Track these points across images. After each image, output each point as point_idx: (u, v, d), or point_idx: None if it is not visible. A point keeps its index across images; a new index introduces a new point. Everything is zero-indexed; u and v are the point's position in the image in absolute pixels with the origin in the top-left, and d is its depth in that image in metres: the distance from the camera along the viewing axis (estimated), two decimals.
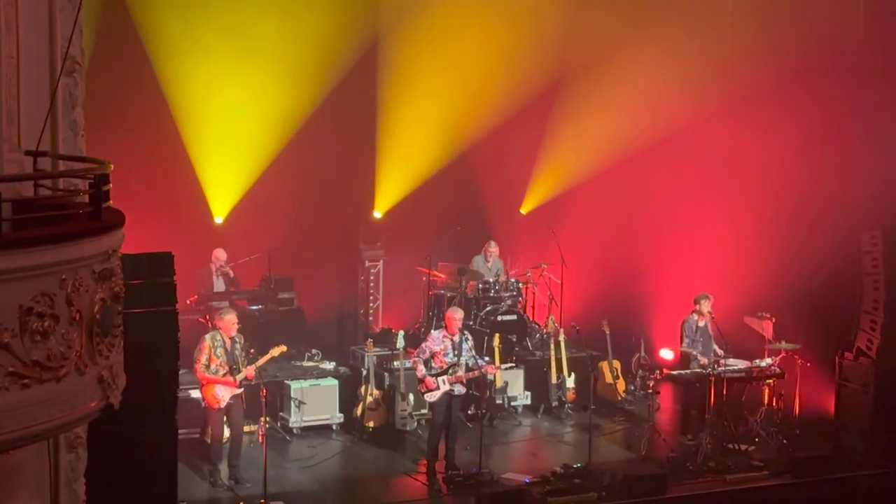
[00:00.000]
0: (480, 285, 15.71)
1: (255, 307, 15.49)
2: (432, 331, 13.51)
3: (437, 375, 12.54)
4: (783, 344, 14.00)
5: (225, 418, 12.23)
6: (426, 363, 12.62)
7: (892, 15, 14.98)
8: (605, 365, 15.38)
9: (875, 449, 13.37)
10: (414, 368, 12.76)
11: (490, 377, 13.76)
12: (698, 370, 13.56)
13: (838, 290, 14.21)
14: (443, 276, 16.56)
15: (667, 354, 16.32)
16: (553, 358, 14.98)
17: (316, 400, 13.94)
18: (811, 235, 14.65)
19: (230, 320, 12.10)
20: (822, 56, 15.16)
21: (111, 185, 6.45)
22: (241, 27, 15.36)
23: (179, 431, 9.87)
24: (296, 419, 13.84)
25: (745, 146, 16.08)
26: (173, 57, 15.25)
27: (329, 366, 14.81)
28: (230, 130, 15.61)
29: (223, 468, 12.31)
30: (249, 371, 12.08)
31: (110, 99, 13.77)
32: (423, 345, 12.84)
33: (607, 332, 15.31)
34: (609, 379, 15.33)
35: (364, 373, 14.17)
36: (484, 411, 13.75)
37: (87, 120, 7.56)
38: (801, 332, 14.35)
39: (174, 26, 15.14)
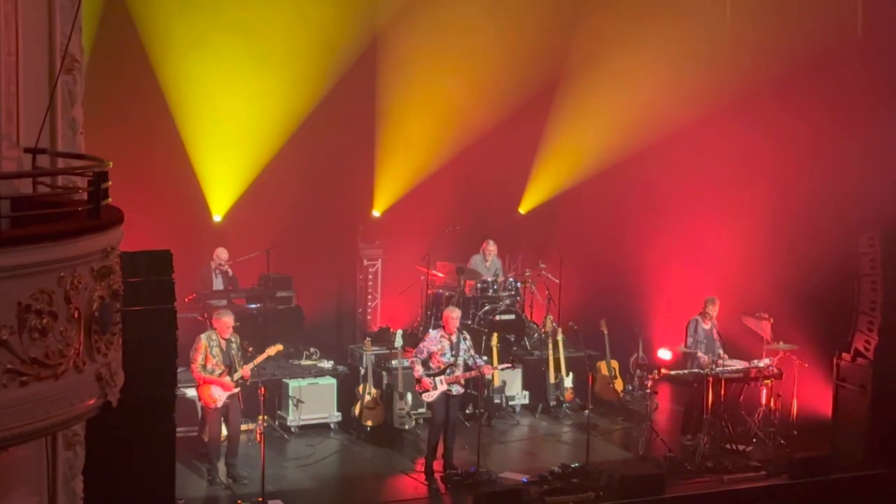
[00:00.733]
0: (479, 285, 15.72)
1: (253, 305, 15.49)
2: (430, 330, 13.51)
3: (434, 375, 12.54)
4: (781, 344, 14.01)
5: (222, 417, 12.22)
6: (424, 363, 12.63)
7: (891, 16, 14.98)
8: (603, 365, 15.39)
9: (872, 450, 13.38)
10: (412, 368, 12.77)
11: (488, 377, 13.77)
12: (696, 370, 13.57)
13: (836, 291, 14.21)
14: (441, 275, 16.57)
15: (665, 354, 16.32)
16: (551, 357, 14.99)
17: (314, 398, 13.94)
18: (809, 236, 14.66)
19: (225, 322, 12.06)
20: (820, 58, 15.16)
21: (110, 182, 6.45)
22: (241, 25, 15.36)
23: (177, 429, 9.87)
24: (294, 418, 13.84)
25: (743, 147, 16.10)
26: (172, 55, 15.25)
27: (327, 364, 14.81)
28: (229, 129, 15.61)
29: (221, 466, 12.30)
30: (245, 371, 12.07)
31: (109, 97, 13.78)
32: (421, 345, 12.84)
33: (605, 332, 15.33)
34: (607, 379, 15.34)
35: (362, 371, 14.18)
36: (482, 411, 13.75)
37: (86, 117, 7.56)
38: (799, 332, 14.37)
39: (174, 24, 15.14)
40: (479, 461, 12.51)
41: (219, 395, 12.01)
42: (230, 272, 15.37)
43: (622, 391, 15.50)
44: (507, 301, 15.69)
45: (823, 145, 15.01)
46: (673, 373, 13.90)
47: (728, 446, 13.36)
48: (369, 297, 17.27)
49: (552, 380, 14.99)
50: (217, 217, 16.12)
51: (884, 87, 14.66)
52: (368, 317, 17.21)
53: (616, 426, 14.66)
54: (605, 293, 16.40)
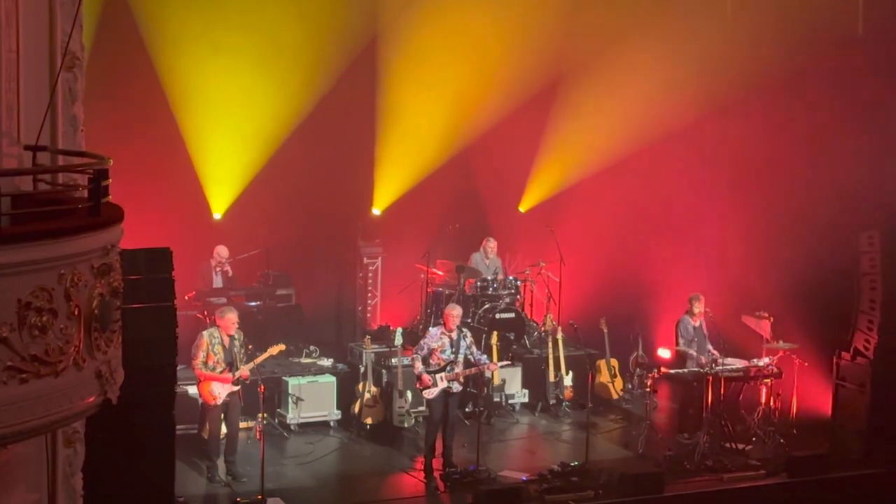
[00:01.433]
0: (479, 283, 15.72)
1: (253, 303, 15.49)
2: (430, 328, 13.52)
3: (434, 373, 12.55)
4: (781, 343, 14.01)
5: (222, 415, 12.23)
6: (424, 360, 12.64)
7: (891, 13, 14.98)
8: (602, 363, 15.40)
9: (872, 449, 13.40)
10: (412, 365, 12.77)
11: (488, 375, 13.78)
12: (696, 369, 13.57)
13: (836, 290, 14.22)
14: (441, 273, 16.57)
15: (665, 353, 16.31)
16: (551, 356, 14.99)
17: (313, 396, 13.94)
18: (809, 235, 14.67)
19: (231, 319, 12.07)
20: (819, 56, 15.16)
21: (110, 180, 6.45)
22: (241, 22, 15.35)
23: (177, 427, 9.88)
24: (293, 416, 13.84)
25: (743, 146, 16.10)
26: (173, 53, 15.24)
27: (327, 362, 14.81)
28: (229, 126, 15.60)
29: (220, 464, 12.30)
30: (244, 371, 12.07)
31: (110, 94, 13.78)
32: (422, 342, 12.84)
33: (605, 331, 15.34)
34: (607, 377, 15.35)
35: (362, 370, 14.18)
36: (481, 409, 13.76)
37: (86, 115, 7.56)
38: (798, 331, 14.37)
39: (174, 22, 15.13)
40: (479, 459, 12.51)
41: (219, 393, 12.02)
42: (230, 273, 15.37)
43: (622, 390, 15.50)
44: (507, 299, 15.69)
45: (823, 143, 15.02)
46: (672, 371, 13.89)
47: (727, 445, 13.36)
48: (369, 295, 17.27)
49: (552, 378, 14.99)
50: (217, 215, 16.11)
51: (884, 84, 14.65)
52: (368, 315, 17.21)
53: (615, 425, 14.66)
54: (605, 292, 16.39)
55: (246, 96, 15.55)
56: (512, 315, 15.51)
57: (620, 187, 16.98)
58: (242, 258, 15.67)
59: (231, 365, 12.02)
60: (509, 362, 14.31)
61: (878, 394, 13.46)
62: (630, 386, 15.77)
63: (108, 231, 6.20)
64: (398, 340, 14.04)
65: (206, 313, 14.27)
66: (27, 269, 5.58)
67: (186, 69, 15.28)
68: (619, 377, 15.51)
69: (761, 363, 13.67)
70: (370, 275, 17.26)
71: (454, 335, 12.69)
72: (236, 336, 12.15)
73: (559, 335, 15.16)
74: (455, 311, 12.80)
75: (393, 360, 14.05)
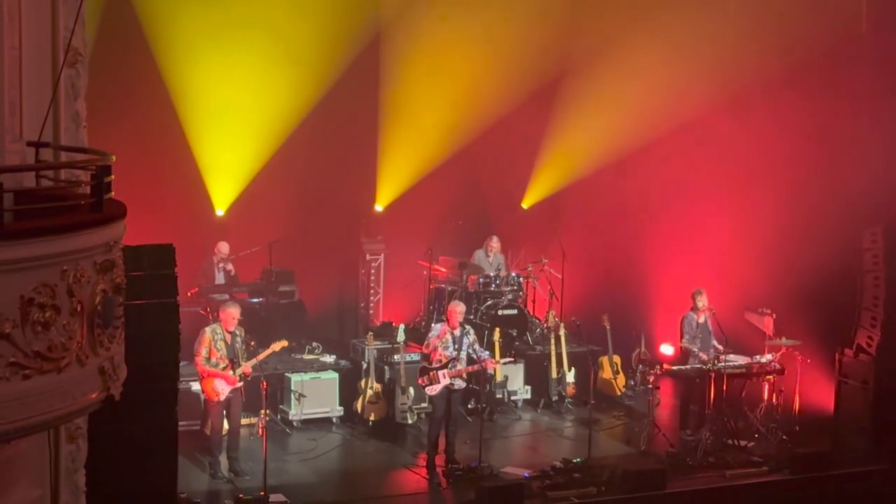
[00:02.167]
0: (481, 279, 15.72)
1: (255, 300, 15.50)
2: (433, 324, 13.52)
3: (437, 369, 12.55)
4: (783, 340, 14.00)
5: (224, 411, 12.23)
6: (426, 357, 12.64)
7: (895, 11, 14.97)
8: (605, 360, 15.39)
9: (874, 445, 13.40)
10: (429, 355, 12.70)
11: (490, 371, 13.78)
12: (698, 366, 13.57)
13: (839, 287, 14.22)
14: (444, 269, 16.58)
15: (667, 350, 16.32)
16: (553, 352, 14.99)
17: (316, 393, 13.95)
18: (812, 232, 14.65)
19: (231, 314, 12.08)
20: (823, 53, 15.14)
21: (113, 176, 6.45)
22: (244, 19, 15.34)
23: (179, 423, 9.87)
24: (296, 412, 13.85)
25: (746, 142, 16.08)
26: (176, 49, 15.25)
27: (329, 359, 14.82)
28: (232, 122, 15.61)
29: (223, 460, 12.32)
30: (246, 368, 12.07)
31: (112, 90, 13.79)
32: (430, 339, 12.83)
33: (608, 327, 15.33)
34: (609, 374, 15.35)
35: (364, 366, 14.18)
36: (484, 405, 13.76)
37: (88, 111, 7.56)
38: (801, 328, 14.36)
39: (177, 18, 15.13)
40: (481, 456, 12.52)
41: (222, 389, 12.03)
42: (233, 271, 15.37)
43: (624, 386, 15.50)
44: (510, 296, 15.69)
45: (827, 141, 14.99)
46: (675, 368, 13.90)
47: (730, 442, 13.37)
48: (372, 291, 17.27)
49: (554, 375, 14.99)
50: (220, 211, 16.13)
51: (888, 83, 14.64)
52: (371, 311, 17.22)
53: (618, 421, 14.66)
54: (608, 288, 16.39)
55: (248, 92, 15.55)
56: (514, 312, 15.52)
57: (623, 184, 16.97)
58: (245, 254, 15.67)
59: (233, 361, 12.03)
60: (512, 359, 14.31)
61: (880, 390, 13.47)
62: (632, 382, 15.77)
63: (111, 227, 6.20)
64: (401, 337, 14.04)
65: (208, 309, 14.28)
66: (30, 265, 5.59)
67: (189, 65, 15.28)
68: (621, 374, 15.51)
69: (764, 360, 13.68)
70: (373, 271, 17.26)
71: (457, 332, 12.70)
72: (237, 332, 12.15)
73: (562, 332, 15.15)
74: (459, 308, 12.81)
75: (395, 357, 14.05)
